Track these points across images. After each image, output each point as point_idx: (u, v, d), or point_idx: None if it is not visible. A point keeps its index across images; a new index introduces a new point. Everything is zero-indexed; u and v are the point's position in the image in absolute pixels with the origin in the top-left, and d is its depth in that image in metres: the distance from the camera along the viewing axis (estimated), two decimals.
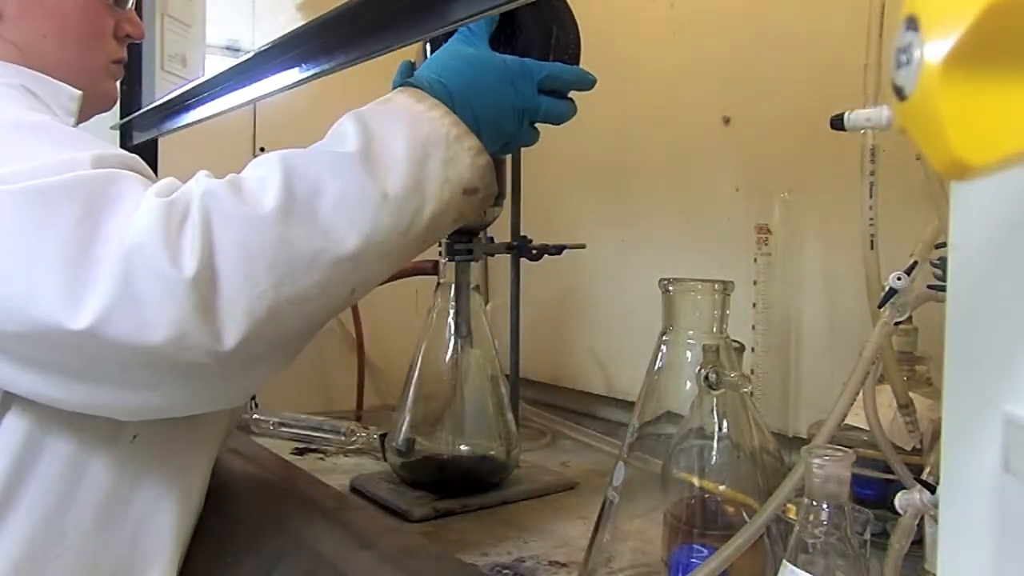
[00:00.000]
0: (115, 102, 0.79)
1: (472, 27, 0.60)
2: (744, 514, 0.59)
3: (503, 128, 0.60)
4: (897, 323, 0.56)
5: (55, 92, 0.68)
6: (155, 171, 1.23)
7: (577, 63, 0.68)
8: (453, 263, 0.93)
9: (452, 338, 0.94)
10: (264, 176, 0.50)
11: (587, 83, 0.67)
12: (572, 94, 0.68)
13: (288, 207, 0.48)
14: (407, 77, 0.69)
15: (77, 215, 0.45)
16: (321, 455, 1.09)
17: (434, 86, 0.57)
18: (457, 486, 0.90)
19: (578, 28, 0.68)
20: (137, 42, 0.79)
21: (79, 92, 0.69)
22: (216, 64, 1.29)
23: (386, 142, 0.52)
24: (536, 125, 0.65)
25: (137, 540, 0.62)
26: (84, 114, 0.75)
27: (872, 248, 0.61)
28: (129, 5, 0.76)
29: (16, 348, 0.48)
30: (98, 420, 0.57)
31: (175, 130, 1.06)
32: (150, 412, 0.53)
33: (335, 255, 0.49)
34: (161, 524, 0.63)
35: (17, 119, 0.55)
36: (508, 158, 1.03)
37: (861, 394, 0.58)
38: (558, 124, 0.66)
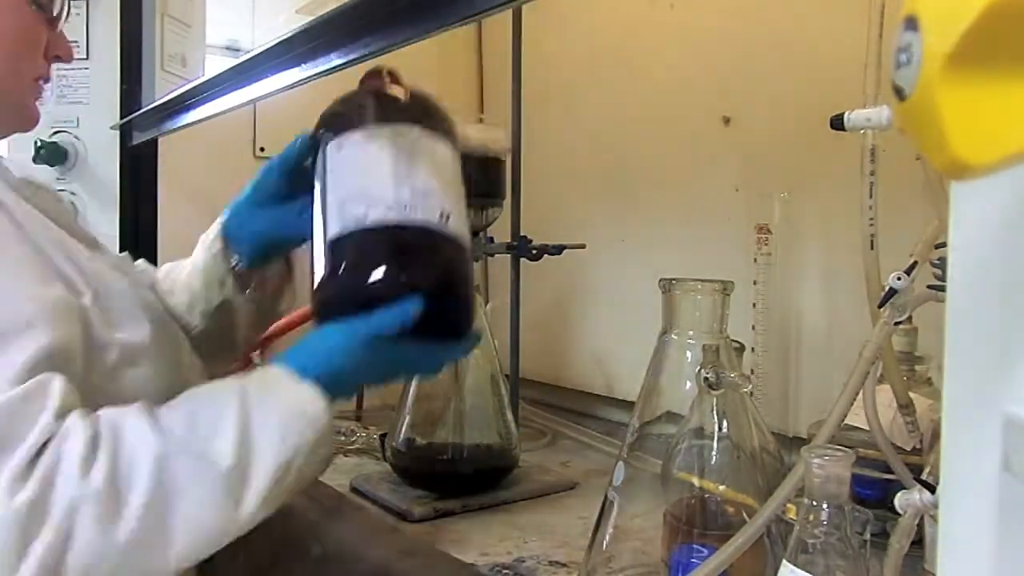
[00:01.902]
0: (37, 120, 0.73)
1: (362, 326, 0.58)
2: (744, 514, 0.59)
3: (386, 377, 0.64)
4: (897, 323, 0.56)
5: None
6: (155, 171, 1.24)
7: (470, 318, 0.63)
8: None
9: None
10: (137, 469, 0.49)
11: (470, 347, 0.64)
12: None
13: (143, 535, 0.49)
14: (302, 156, 0.67)
15: None
16: None
17: (315, 372, 0.57)
18: (457, 486, 0.90)
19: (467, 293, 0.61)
20: (66, 63, 0.74)
21: None
22: (216, 64, 1.29)
23: (259, 456, 0.53)
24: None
25: None
26: (2, 131, 0.71)
27: (872, 248, 0.61)
28: (60, 24, 0.72)
29: None
30: None
31: (175, 130, 1.06)
32: None
33: (164, 571, 0.51)
34: None
35: None
36: (508, 158, 1.03)
37: (861, 394, 0.58)
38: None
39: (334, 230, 0.59)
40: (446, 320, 0.59)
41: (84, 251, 0.63)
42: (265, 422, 0.54)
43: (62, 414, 0.49)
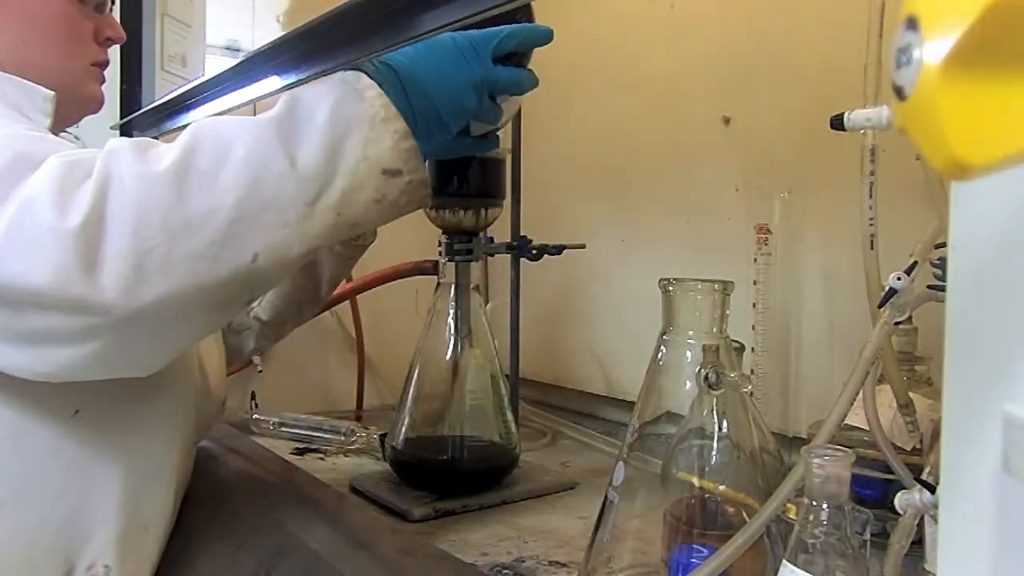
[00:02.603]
0: (101, 104, 0.78)
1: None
2: (744, 514, 0.59)
3: (462, 105, 0.60)
4: (897, 323, 0.56)
5: (28, 93, 0.69)
6: None
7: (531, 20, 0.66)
8: (453, 263, 0.93)
9: (452, 338, 0.94)
10: (177, 139, 0.51)
11: (543, 37, 0.66)
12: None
13: (187, 165, 0.49)
14: None
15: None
16: (321, 455, 1.09)
17: (380, 69, 0.57)
18: (457, 486, 0.90)
19: None
20: (118, 44, 0.80)
21: (52, 92, 0.70)
22: (216, 64, 1.29)
23: (308, 113, 0.53)
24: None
25: (77, 514, 0.62)
26: (70, 117, 0.76)
27: (872, 248, 0.61)
28: (107, 10, 0.78)
29: None
30: (39, 391, 0.57)
31: (175, 130, 1.05)
32: (58, 371, 0.53)
33: (230, 216, 0.49)
34: (103, 502, 0.63)
35: None
36: (508, 158, 1.03)
37: (861, 394, 0.58)
38: (520, 94, 0.65)
39: None
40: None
41: None
42: (311, 94, 0.54)
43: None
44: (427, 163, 0.60)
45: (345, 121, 0.53)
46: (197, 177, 0.49)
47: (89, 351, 0.50)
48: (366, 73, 0.56)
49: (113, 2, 0.79)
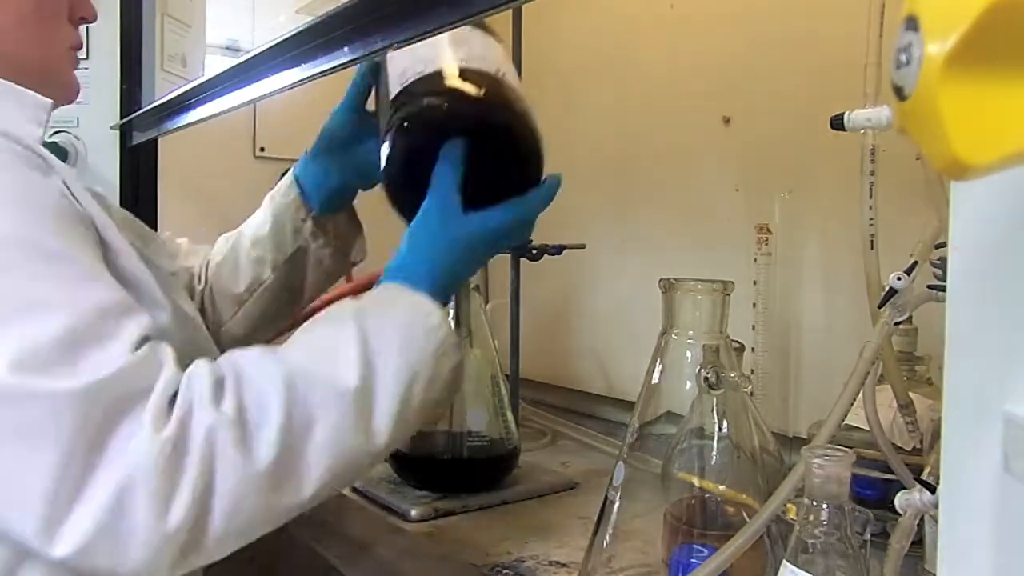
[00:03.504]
0: (78, 92, 0.72)
1: (446, 195, 0.61)
2: (744, 514, 0.59)
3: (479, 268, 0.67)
4: (897, 323, 0.56)
5: (20, 101, 0.63)
6: (155, 171, 1.24)
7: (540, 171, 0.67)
8: None
9: None
10: (266, 404, 0.49)
11: (552, 196, 0.69)
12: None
13: (282, 459, 0.49)
14: (367, 79, 0.71)
15: (76, 431, 0.45)
16: None
17: (426, 280, 0.59)
18: (457, 486, 0.90)
19: (537, 136, 0.65)
20: (91, 23, 0.73)
21: (49, 101, 0.65)
22: (216, 64, 1.29)
23: (381, 373, 0.53)
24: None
25: None
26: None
27: (872, 248, 0.61)
28: None
29: None
30: None
31: (175, 130, 1.06)
32: None
33: (310, 496, 0.51)
34: None
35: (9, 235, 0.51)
36: None
37: (861, 394, 0.58)
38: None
39: (394, 92, 0.61)
40: (516, 161, 0.61)
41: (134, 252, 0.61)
42: (383, 338, 0.54)
43: (181, 367, 0.50)
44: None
45: (413, 366, 0.54)
46: (287, 472, 0.49)
47: None
48: (419, 287, 0.58)
49: None
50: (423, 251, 0.60)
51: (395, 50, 0.61)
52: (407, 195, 0.61)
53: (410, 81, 0.60)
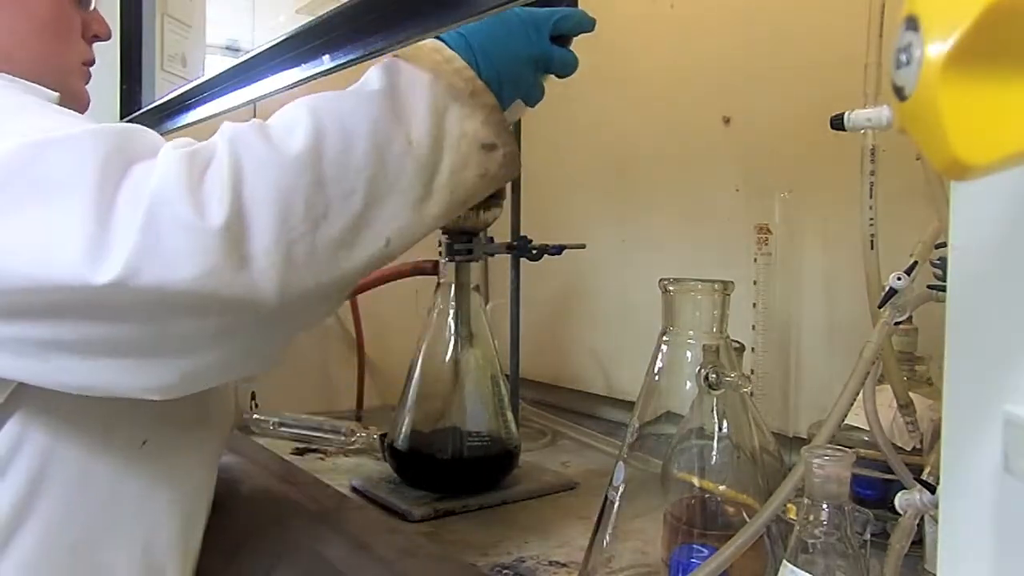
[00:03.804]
0: (87, 105, 0.74)
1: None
2: (744, 514, 0.59)
3: (522, 79, 0.60)
4: (897, 323, 0.56)
5: (28, 90, 0.64)
6: None
7: (576, 4, 0.66)
8: (453, 263, 0.93)
9: (452, 338, 0.94)
10: (292, 119, 0.49)
11: (590, 24, 0.66)
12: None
13: (320, 147, 0.47)
14: None
15: (102, 158, 0.44)
16: (321, 455, 1.09)
17: (455, 39, 0.56)
18: (457, 486, 0.90)
19: None
20: (105, 41, 0.75)
21: (55, 94, 0.66)
22: (216, 64, 1.29)
23: (410, 87, 0.52)
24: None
25: (148, 548, 0.61)
26: None
27: (872, 248, 0.61)
28: (91, 6, 0.73)
29: (40, 322, 0.46)
30: (107, 424, 0.56)
31: (175, 130, 1.05)
32: (176, 383, 0.50)
33: (364, 199, 0.48)
34: (172, 532, 0.63)
35: (19, 101, 0.54)
36: None
37: (861, 394, 0.58)
38: (567, 76, 0.65)
39: None
40: None
41: None
42: (414, 67, 0.53)
43: None
44: None
45: (443, 95, 0.52)
46: (331, 161, 0.47)
47: (224, 352, 0.48)
48: (445, 43, 0.55)
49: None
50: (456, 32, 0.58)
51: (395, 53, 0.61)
52: None
53: None
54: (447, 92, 0.53)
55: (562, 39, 0.64)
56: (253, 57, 0.74)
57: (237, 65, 0.79)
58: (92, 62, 0.73)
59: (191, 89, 0.92)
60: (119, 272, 0.42)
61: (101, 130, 0.46)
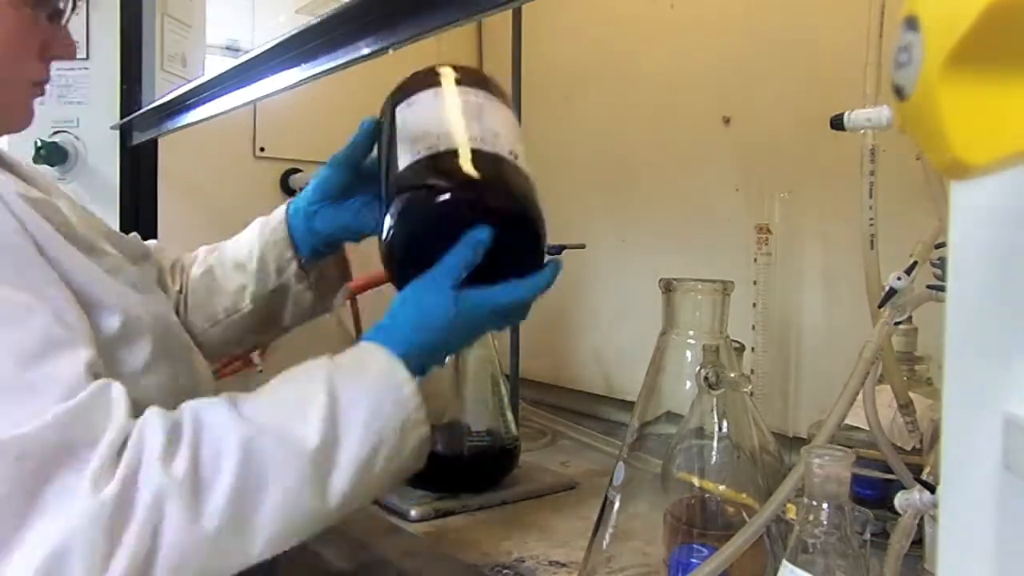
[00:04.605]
0: (30, 122, 0.69)
1: (451, 272, 0.59)
2: (744, 514, 0.59)
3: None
4: (897, 323, 0.56)
5: None
6: (155, 171, 1.24)
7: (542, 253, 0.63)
8: None
9: None
10: (220, 465, 0.48)
11: (551, 282, 0.63)
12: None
13: (231, 524, 0.48)
14: (369, 140, 0.68)
15: (9, 490, 0.43)
16: None
17: (408, 351, 0.57)
18: (457, 486, 0.90)
19: (539, 221, 0.60)
20: (68, 60, 0.71)
21: None
22: (216, 64, 1.29)
23: (345, 437, 0.52)
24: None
25: None
26: None
27: (872, 248, 0.61)
28: (64, 19, 0.68)
29: None
30: None
31: (175, 130, 1.06)
32: None
33: (252, 557, 0.49)
34: None
35: None
36: None
37: (861, 394, 0.58)
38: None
39: (404, 164, 0.59)
40: (520, 248, 0.59)
41: (81, 259, 0.59)
42: (351, 403, 0.53)
43: (132, 413, 0.48)
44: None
45: (378, 434, 0.53)
46: (240, 536, 0.48)
47: None
48: (405, 362, 0.56)
49: (74, 11, 0.68)
50: (411, 319, 0.59)
51: (402, 107, 0.62)
52: (406, 266, 0.59)
53: (421, 156, 0.58)
54: (383, 430, 0.53)
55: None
56: (253, 57, 0.74)
57: (237, 65, 0.79)
58: (45, 81, 0.69)
59: (191, 89, 0.92)
60: None
61: (14, 444, 0.44)
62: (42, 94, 0.69)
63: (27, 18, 0.64)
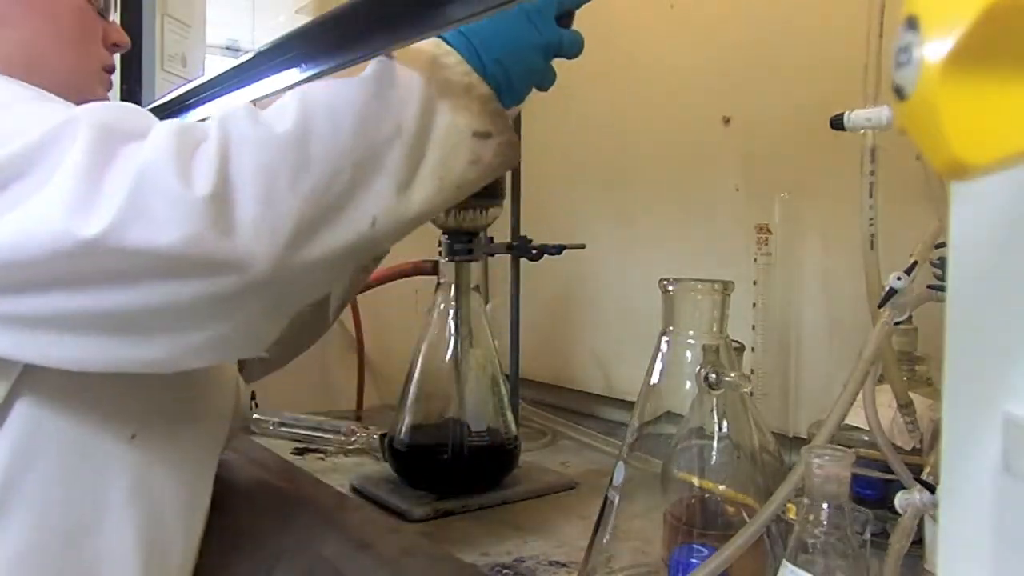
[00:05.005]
0: None
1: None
2: (744, 514, 0.59)
3: (533, 69, 0.61)
4: (897, 323, 0.56)
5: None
6: None
7: None
8: (453, 263, 0.93)
9: (452, 338, 0.94)
10: (283, 103, 0.50)
11: None
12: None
13: (307, 128, 0.48)
14: None
15: (94, 135, 0.46)
16: (321, 455, 1.09)
17: (456, 38, 0.57)
18: (457, 486, 0.90)
19: None
20: (124, 51, 0.77)
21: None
22: (216, 64, 1.29)
23: (404, 79, 0.53)
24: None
25: (146, 535, 0.61)
26: None
27: (872, 248, 0.60)
28: (111, 16, 0.75)
29: (26, 296, 0.47)
30: (99, 413, 0.57)
31: None
32: (172, 356, 0.52)
33: (351, 180, 0.50)
34: (171, 518, 0.63)
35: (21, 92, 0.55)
36: None
37: (861, 394, 0.58)
38: (575, 57, 0.65)
39: None
40: None
41: None
42: (407, 55, 0.54)
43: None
44: None
45: (435, 89, 0.54)
46: (318, 140, 0.49)
47: (209, 329, 0.50)
48: (445, 40, 0.56)
49: (116, 8, 0.76)
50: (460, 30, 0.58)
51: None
52: None
53: None
54: (440, 85, 0.54)
55: (566, 19, 0.64)
56: (253, 57, 0.74)
57: (237, 65, 0.79)
58: (113, 69, 0.75)
59: (191, 89, 0.92)
60: (104, 227, 0.44)
61: (96, 109, 0.48)
62: (111, 86, 0.76)
63: (86, 7, 0.71)
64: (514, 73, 0.59)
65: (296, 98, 0.51)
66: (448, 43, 0.56)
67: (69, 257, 0.45)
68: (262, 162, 0.47)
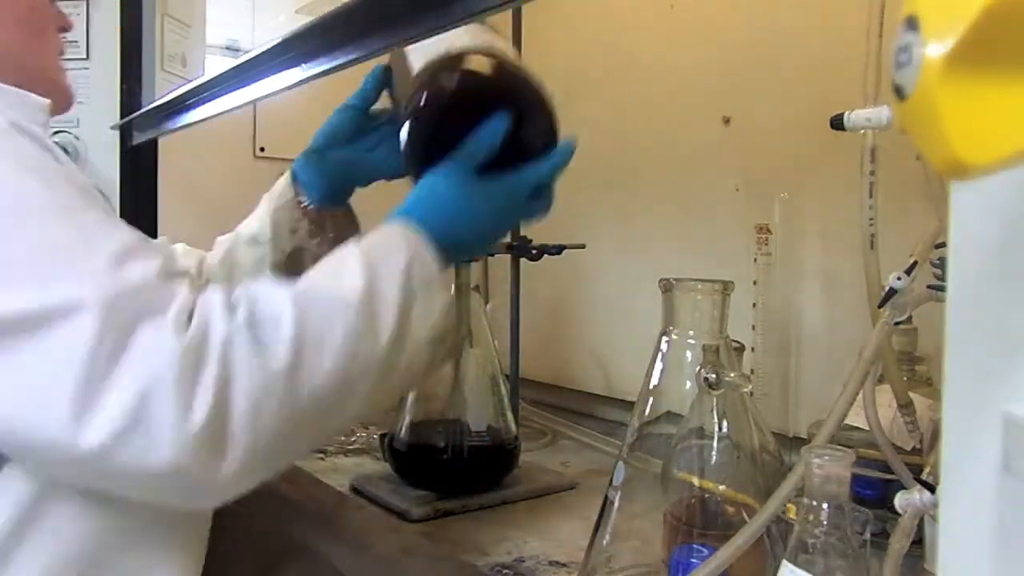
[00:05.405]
0: (73, 97, 0.75)
1: (472, 155, 0.62)
2: (744, 514, 0.59)
3: (496, 239, 0.69)
4: (897, 323, 0.56)
5: (23, 103, 0.64)
6: (155, 171, 1.24)
7: (555, 139, 0.68)
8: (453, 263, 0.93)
9: None
10: (278, 315, 0.52)
11: (568, 159, 0.69)
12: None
13: (299, 359, 0.51)
14: (380, 84, 0.74)
15: (98, 334, 0.46)
16: (321, 455, 1.09)
17: (427, 224, 0.60)
18: (457, 486, 0.90)
19: (550, 106, 0.68)
20: (68, 32, 0.76)
21: (46, 101, 0.66)
22: (216, 64, 1.29)
23: (383, 288, 0.55)
24: None
25: (164, 559, 0.60)
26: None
27: (872, 248, 0.61)
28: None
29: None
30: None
31: (175, 130, 1.06)
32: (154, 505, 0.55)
33: (333, 398, 0.53)
34: (173, 554, 0.62)
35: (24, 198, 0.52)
36: None
37: (861, 394, 0.58)
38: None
39: (418, 67, 0.64)
40: (535, 132, 0.65)
41: None
42: (383, 258, 0.56)
43: (195, 291, 0.52)
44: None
45: (412, 291, 0.57)
46: (308, 376, 0.51)
47: (186, 503, 0.54)
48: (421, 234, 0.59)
49: None
50: (424, 201, 0.61)
51: (403, 47, 0.64)
52: (426, 163, 0.62)
53: (435, 58, 0.63)
54: (416, 286, 0.57)
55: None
56: (253, 57, 0.74)
57: (237, 65, 0.79)
58: (62, 52, 0.74)
59: (191, 89, 0.92)
60: (102, 441, 0.45)
61: (107, 295, 0.47)
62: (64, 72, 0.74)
63: None
64: (480, 248, 0.65)
65: (290, 321, 0.51)
66: (420, 223, 0.59)
67: (64, 461, 0.48)
68: (256, 395, 0.49)
